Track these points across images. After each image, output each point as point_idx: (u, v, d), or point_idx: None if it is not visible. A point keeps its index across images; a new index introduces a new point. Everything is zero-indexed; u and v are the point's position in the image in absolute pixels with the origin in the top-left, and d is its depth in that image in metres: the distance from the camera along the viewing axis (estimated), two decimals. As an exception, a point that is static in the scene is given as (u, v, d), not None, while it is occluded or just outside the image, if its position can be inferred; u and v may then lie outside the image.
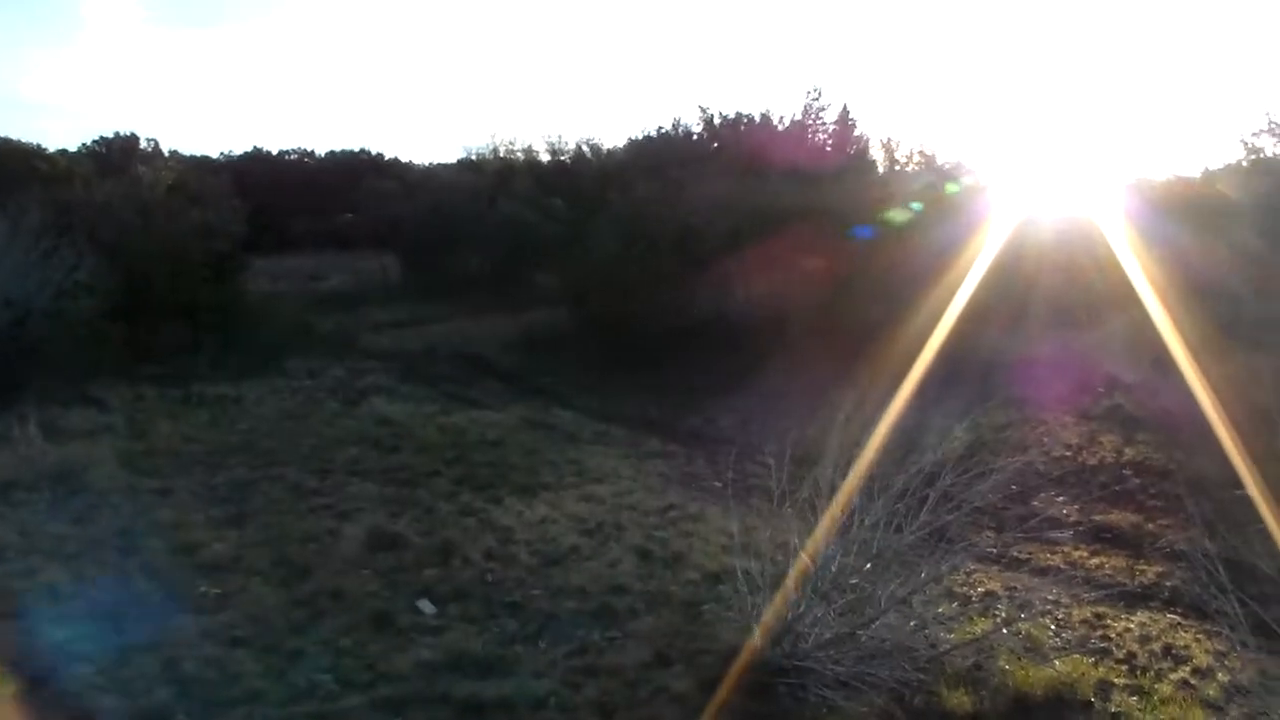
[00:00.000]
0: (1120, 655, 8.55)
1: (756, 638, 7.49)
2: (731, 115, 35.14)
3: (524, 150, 48.54)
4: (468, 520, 11.60)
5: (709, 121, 35.36)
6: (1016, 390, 17.30)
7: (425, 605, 9.10)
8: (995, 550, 9.97)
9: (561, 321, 27.49)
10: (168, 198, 23.64)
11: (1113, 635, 9.01)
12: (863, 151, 34.19)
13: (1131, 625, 9.30)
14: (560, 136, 49.17)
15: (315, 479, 13.16)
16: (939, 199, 24.05)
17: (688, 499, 13.17)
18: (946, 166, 29.60)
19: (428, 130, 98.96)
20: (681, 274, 22.70)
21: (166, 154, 34.08)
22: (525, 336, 26.52)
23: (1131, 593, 10.38)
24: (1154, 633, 9.14)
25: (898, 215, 23.03)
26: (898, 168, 32.85)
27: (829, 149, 33.92)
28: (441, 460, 14.36)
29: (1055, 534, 11.07)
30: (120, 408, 16.57)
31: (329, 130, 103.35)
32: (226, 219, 24.44)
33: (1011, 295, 20.81)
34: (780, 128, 34.46)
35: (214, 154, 49.73)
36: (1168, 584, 10.63)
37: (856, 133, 34.66)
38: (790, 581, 7.47)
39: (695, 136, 35.51)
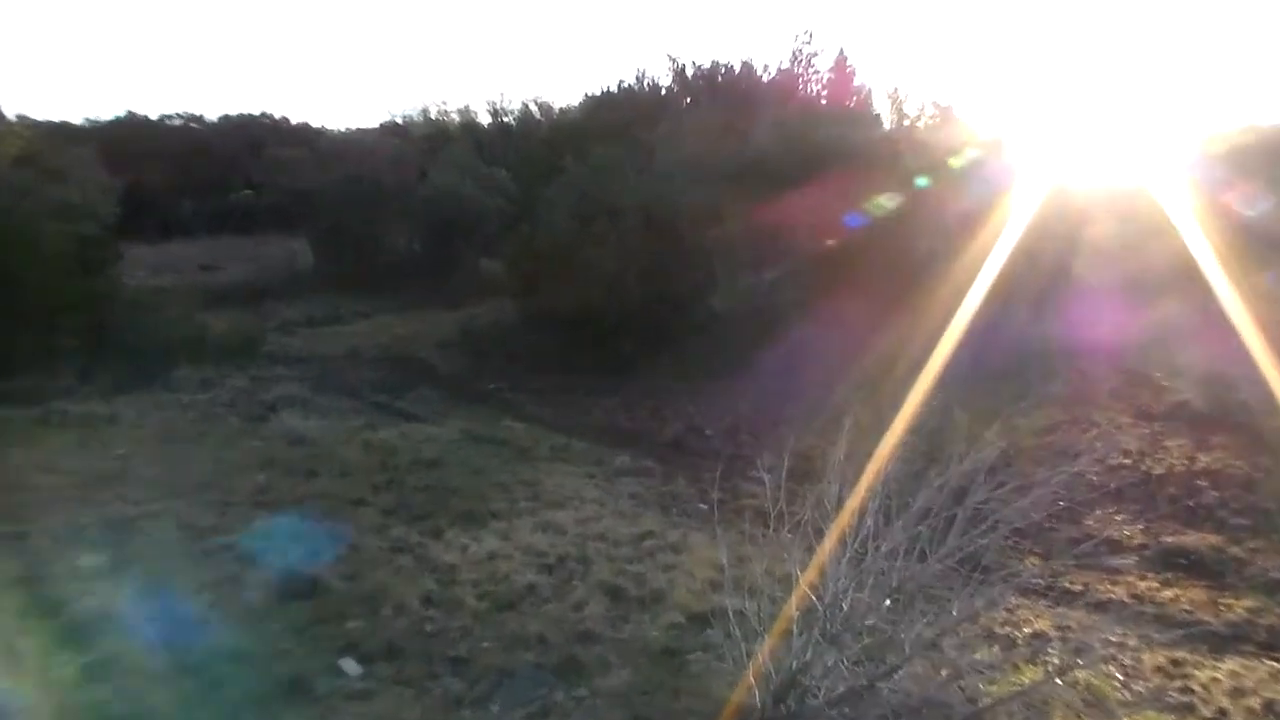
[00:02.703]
0: (1208, 713, 8.47)
1: (754, 692, 7.36)
2: (706, 65, 35.21)
3: (460, 112, 48.63)
4: (401, 558, 11.50)
5: (680, 73, 35.41)
6: (1060, 385, 17.29)
7: (349, 665, 8.95)
8: (1042, 581, 9.87)
9: (510, 315, 27.56)
10: (16, 172, 23.22)
11: (1196, 687, 8.92)
12: (864, 104, 34.28)
13: (1219, 674, 9.22)
14: (503, 95, 49.37)
15: (212, 514, 12.97)
16: (958, 160, 24.03)
17: (667, 525, 13.15)
18: (966, 120, 29.61)
19: (342, 90, 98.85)
20: (651, 254, 22.64)
21: (13, 119, 33.31)
22: (466, 334, 26.60)
23: (1217, 633, 10.31)
24: (1249, 684, 9.05)
25: (913, 179, 23.00)
26: (907, 123, 32.89)
27: (823, 102, 34.01)
28: (368, 486, 14.31)
29: (1116, 560, 11.00)
30: (-42, 434, 16.32)
31: (220, 91, 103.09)
32: (94, 198, 24.08)
33: (1049, 272, 20.81)
34: (765, 78, 34.53)
35: (76, 119, 49.40)
36: (1263, 622, 10.57)
37: (856, 82, 34.77)
38: (793, 623, 7.35)
39: (664, 91, 35.54)
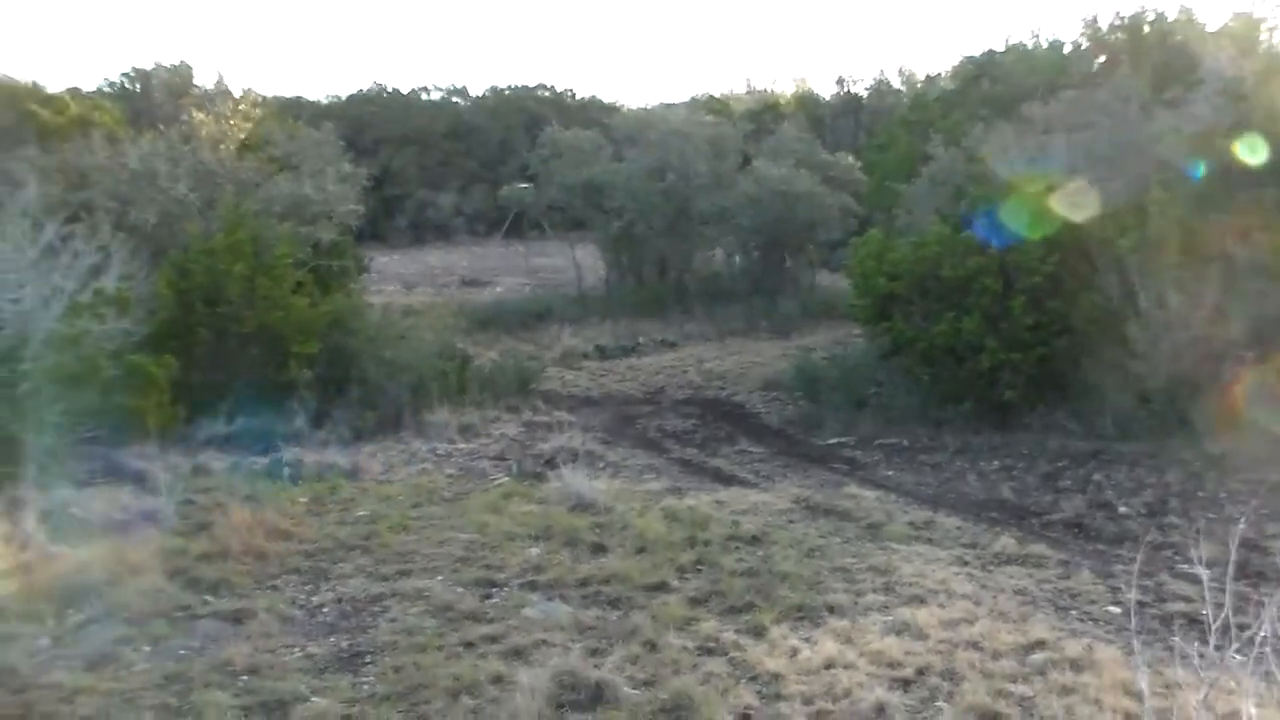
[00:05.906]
0: None
1: None
2: (1128, 14, 34.62)
3: (795, 81, 48.76)
4: (711, 662, 11.41)
5: (1091, 24, 34.91)
6: None
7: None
8: None
9: (857, 348, 27.26)
10: (241, 162, 23.85)
11: None
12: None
13: None
14: (849, 64, 49.50)
15: (473, 596, 13.21)
16: None
17: (1065, 633, 12.72)
18: None
19: (641, 57, 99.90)
20: (1046, 270, 22.19)
21: (237, 95, 34.11)
22: (801, 372, 26.38)
23: None
24: None
25: None
26: None
27: (1292, 57, 33.04)
28: (671, 567, 14.27)
29: None
30: (167, 483, 16.77)
31: (485, 60, 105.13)
32: (335, 194, 24.54)
33: None
34: (1208, 29, 33.78)
35: (313, 95, 50.84)
36: None
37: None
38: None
39: (1068, 50, 35.07)
